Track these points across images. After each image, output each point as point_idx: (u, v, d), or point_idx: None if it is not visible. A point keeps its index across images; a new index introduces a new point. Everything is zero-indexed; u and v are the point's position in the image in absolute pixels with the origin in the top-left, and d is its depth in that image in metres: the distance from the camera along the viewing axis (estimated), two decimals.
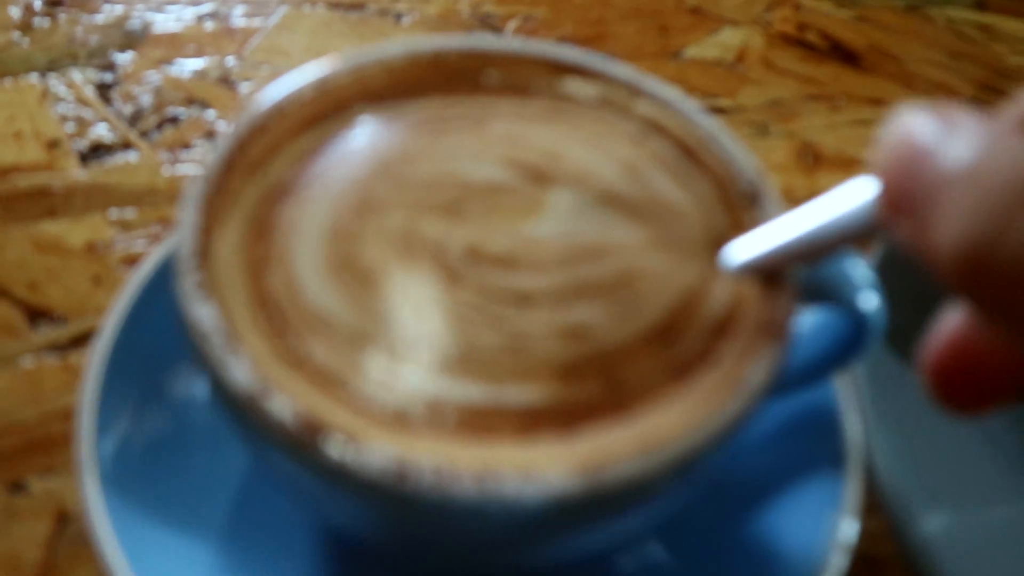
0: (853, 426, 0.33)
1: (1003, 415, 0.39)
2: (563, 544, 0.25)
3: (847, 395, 0.34)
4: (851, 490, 0.31)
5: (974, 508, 0.36)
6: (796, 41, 0.62)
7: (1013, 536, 0.36)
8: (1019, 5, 0.68)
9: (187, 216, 0.25)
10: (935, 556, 0.33)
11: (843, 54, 0.61)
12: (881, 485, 0.35)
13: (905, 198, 0.18)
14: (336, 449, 0.21)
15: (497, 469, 0.21)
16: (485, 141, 0.29)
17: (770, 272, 0.26)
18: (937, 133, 0.18)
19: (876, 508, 0.37)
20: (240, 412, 0.22)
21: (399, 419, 0.22)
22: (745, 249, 0.26)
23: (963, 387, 0.21)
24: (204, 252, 0.24)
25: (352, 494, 0.22)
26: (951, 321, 0.21)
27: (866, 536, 0.36)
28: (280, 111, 0.28)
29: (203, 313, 0.23)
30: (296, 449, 0.21)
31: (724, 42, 0.61)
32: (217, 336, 0.23)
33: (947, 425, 0.38)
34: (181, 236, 0.25)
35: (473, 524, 0.22)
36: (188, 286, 0.24)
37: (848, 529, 0.30)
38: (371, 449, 0.21)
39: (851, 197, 0.22)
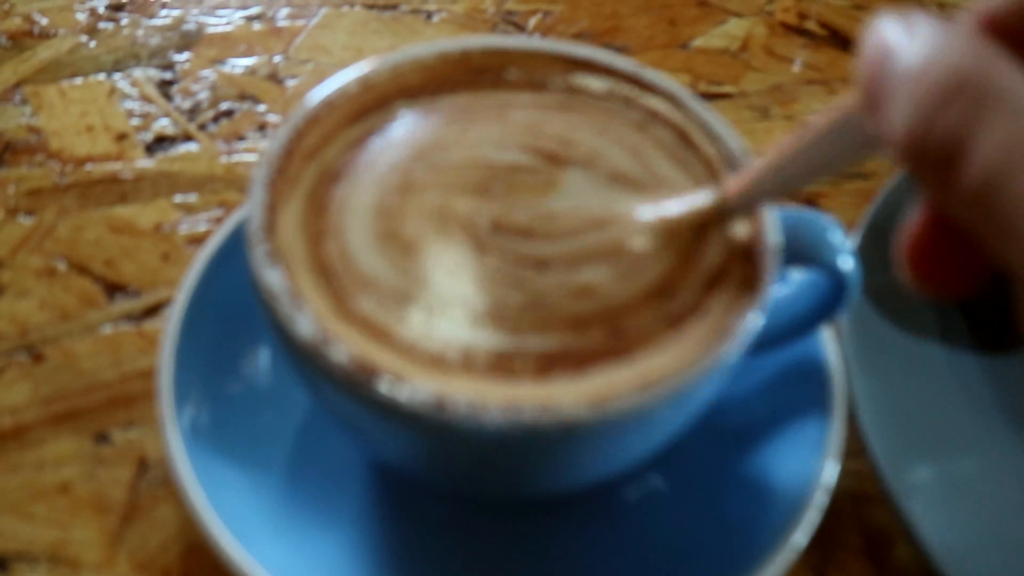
0: (838, 376, 0.36)
1: (978, 366, 0.42)
2: (575, 467, 0.28)
3: (833, 349, 0.36)
4: (834, 435, 0.34)
5: (950, 454, 0.38)
6: (797, 30, 0.64)
7: (984, 479, 0.38)
8: None
9: (255, 196, 0.28)
10: (913, 497, 0.35)
11: (840, 40, 0.64)
12: (863, 431, 0.37)
13: (874, 95, 0.20)
14: (386, 387, 0.24)
15: (519, 402, 0.24)
16: (508, 129, 0.32)
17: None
18: (901, 37, 0.20)
19: (863, 451, 0.40)
20: (305, 359, 0.26)
21: (437, 362, 0.25)
22: (741, 177, 0.29)
23: (931, 267, 0.23)
24: (271, 226, 0.28)
25: (399, 425, 0.25)
26: (917, 214, 0.23)
27: (855, 475, 0.39)
28: (330, 105, 0.32)
29: (272, 277, 0.26)
30: (352, 388, 0.25)
31: (729, 32, 0.63)
32: (284, 296, 0.26)
33: (925, 376, 0.41)
34: (251, 213, 0.28)
35: (500, 448, 0.25)
36: (259, 255, 0.27)
37: (831, 470, 0.33)
38: (415, 387, 0.24)
39: (838, 112, 0.24)
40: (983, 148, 0.18)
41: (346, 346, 0.25)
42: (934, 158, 0.19)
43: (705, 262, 0.28)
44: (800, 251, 0.31)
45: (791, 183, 0.27)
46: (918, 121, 0.19)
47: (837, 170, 0.26)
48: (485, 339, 0.26)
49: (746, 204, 0.29)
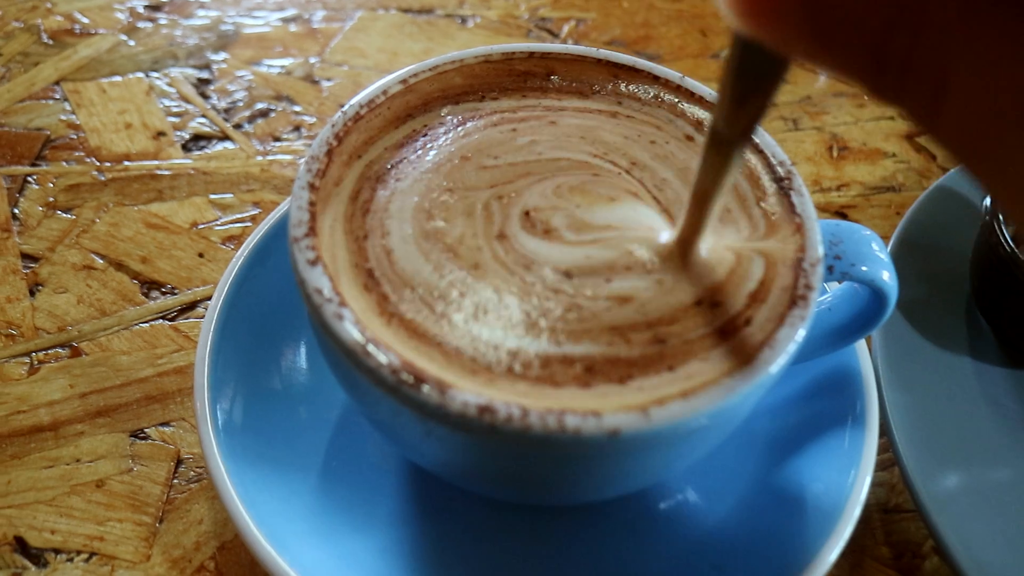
0: (871, 388, 0.35)
1: (1008, 380, 0.41)
2: (617, 475, 0.27)
3: (866, 361, 0.36)
4: (868, 447, 0.33)
5: (980, 467, 0.37)
6: None
7: (1014, 493, 0.37)
8: None
9: (298, 196, 0.28)
10: (944, 510, 0.34)
11: None
12: (894, 443, 0.36)
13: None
14: (432, 392, 0.23)
15: (563, 409, 0.23)
16: (554, 135, 0.31)
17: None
18: None
19: (893, 462, 0.39)
20: (349, 362, 0.25)
21: (482, 368, 0.24)
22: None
23: None
24: (313, 227, 0.27)
25: (444, 430, 0.24)
26: None
27: (885, 486, 0.38)
28: (373, 107, 0.31)
29: (316, 278, 0.26)
30: (397, 392, 0.24)
31: None
32: (328, 298, 0.25)
33: (956, 389, 0.40)
34: (294, 213, 0.27)
35: (544, 455, 0.24)
36: (302, 255, 0.26)
37: (864, 483, 0.32)
38: (460, 392, 0.23)
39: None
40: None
41: (391, 350, 0.24)
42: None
43: (749, 274, 0.28)
44: (841, 263, 0.30)
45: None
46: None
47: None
48: (530, 346, 0.25)
49: (735, 131, 0.23)
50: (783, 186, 0.30)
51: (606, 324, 0.26)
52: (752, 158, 0.31)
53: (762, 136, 0.31)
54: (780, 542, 0.32)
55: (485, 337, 0.25)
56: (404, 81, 0.32)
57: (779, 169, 0.31)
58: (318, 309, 0.25)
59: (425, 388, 0.23)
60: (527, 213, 0.28)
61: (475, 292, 0.26)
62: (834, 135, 0.55)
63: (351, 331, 0.24)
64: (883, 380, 0.38)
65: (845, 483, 0.32)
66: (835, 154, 0.54)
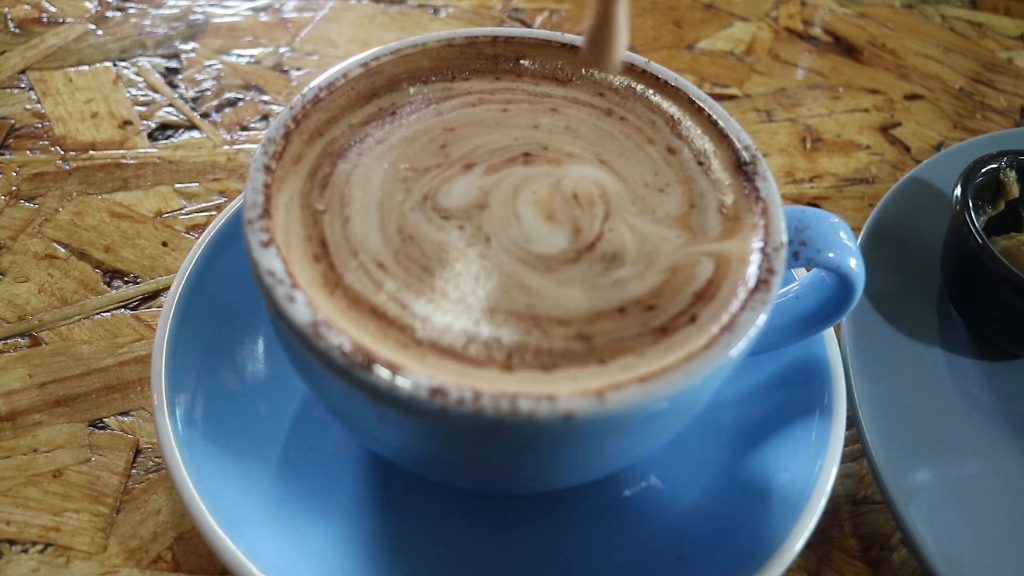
0: (839, 378, 0.35)
1: (977, 371, 0.41)
2: (571, 462, 0.26)
3: (834, 351, 0.35)
4: (835, 438, 0.33)
5: (949, 459, 0.37)
6: (801, 35, 0.63)
7: (982, 485, 0.37)
8: (1008, 3, 0.69)
9: (253, 177, 0.27)
10: (912, 502, 0.34)
11: (844, 47, 0.63)
12: (863, 434, 0.36)
13: None
14: (383, 375, 0.23)
15: (516, 393, 0.23)
16: (515, 119, 0.31)
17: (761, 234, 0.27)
18: None
19: (861, 453, 0.39)
20: (301, 344, 0.24)
21: (436, 351, 0.24)
22: None
23: None
24: (268, 208, 0.26)
25: (396, 414, 0.24)
26: None
27: (853, 478, 0.38)
28: (333, 91, 0.30)
29: (268, 259, 0.25)
30: (348, 375, 0.23)
31: (734, 35, 0.62)
32: (280, 279, 0.25)
33: (926, 380, 0.40)
34: (249, 196, 0.26)
35: (497, 439, 0.24)
36: (255, 236, 0.25)
37: (831, 474, 0.32)
38: (412, 375, 0.23)
39: None
40: None
41: (345, 333, 0.24)
42: None
43: (709, 257, 0.27)
44: (807, 249, 0.29)
45: None
46: None
47: None
48: (486, 330, 0.25)
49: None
50: (748, 171, 0.30)
51: (576, 311, 0.25)
52: (717, 143, 0.31)
53: (728, 121, 0.31)
54: (745, 532, 0.31)
55: (441, 323, 0.25)
56: (365, 64, 0.31)
57: (744, 154, 0.30)
58: (270, 291, 0.24)
59: (376, 371, 0.23)
60: (497, 214, 0.28)
61: (432, 279, 0.26)
62: (808, 127, 0.55)
63: (302, 312, 0.24)
64: (852, 371, 0.38)
65: (812, 473, 0.32)
66: (808, 146, 0.54)
